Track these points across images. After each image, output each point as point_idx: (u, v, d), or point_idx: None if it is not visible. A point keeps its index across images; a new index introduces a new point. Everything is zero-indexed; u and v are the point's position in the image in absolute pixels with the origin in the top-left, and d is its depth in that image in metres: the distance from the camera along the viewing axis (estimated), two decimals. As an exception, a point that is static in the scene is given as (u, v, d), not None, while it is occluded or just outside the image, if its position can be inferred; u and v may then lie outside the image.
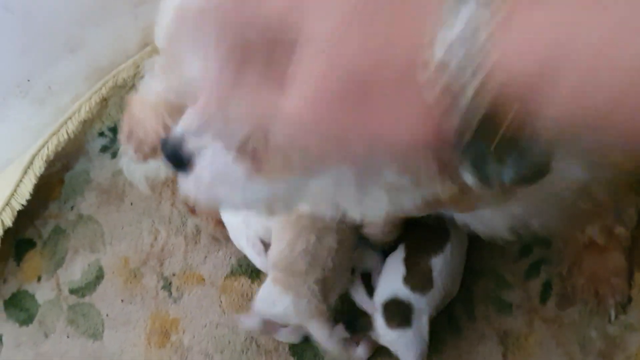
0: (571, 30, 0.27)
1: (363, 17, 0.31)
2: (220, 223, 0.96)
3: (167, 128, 0.79)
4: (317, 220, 0.79)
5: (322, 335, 0.76)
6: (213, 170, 0.45)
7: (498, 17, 0.28)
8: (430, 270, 0.77)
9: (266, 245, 0.89)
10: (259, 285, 0.90)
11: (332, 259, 0.78)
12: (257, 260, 0.87)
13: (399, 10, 0.31)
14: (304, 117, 0.32)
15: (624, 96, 0.26)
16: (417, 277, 0.77)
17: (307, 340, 0.85)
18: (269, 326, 0.82)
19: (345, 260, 0.80)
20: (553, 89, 0.28)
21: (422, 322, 0.74)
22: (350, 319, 0.81)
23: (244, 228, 0.88)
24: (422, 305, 0.75)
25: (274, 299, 0.79)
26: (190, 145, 0.45)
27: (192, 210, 0.96)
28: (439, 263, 0.77)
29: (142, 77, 1.01)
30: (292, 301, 0.78)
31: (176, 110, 0.80)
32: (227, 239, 0.94)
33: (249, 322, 0.82)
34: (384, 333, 0.76)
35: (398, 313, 0.76)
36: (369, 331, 0.79)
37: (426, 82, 0.30)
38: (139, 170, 0.98)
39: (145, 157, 0.81)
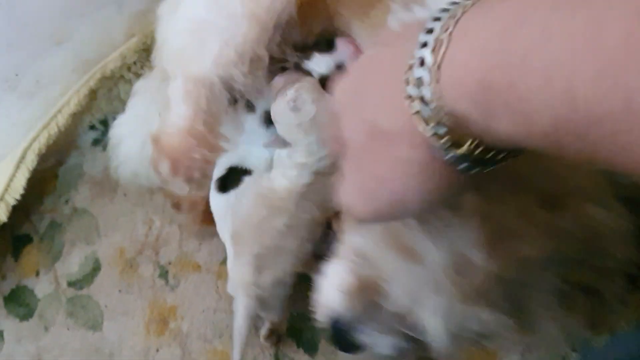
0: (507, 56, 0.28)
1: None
2: (204, 221, 0.96)
3: (213, 147, 0.78)
4: (279, 199, 0.79)
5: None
6: None
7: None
8: None
9: None
10: None
11: (272, 238, 0.77)
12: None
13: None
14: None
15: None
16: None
17: (306, 317, 0.84)
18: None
19: (289, 246, 0.79)
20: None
21: None
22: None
23: (229, 226, 0.88)
24: None
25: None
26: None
27: (177, 206, 0.96)
28: None
29: (129, 68, 1.01)
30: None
31: (213, 126, 0.79)
32: (213, 235, 0.94)
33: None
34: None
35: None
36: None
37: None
38: (129, 173, 0.98)
39: (199, 186, 0.80)
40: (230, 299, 0.87)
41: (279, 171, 0.77)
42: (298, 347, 0.85)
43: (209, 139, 0.74)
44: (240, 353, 0.77)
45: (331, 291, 0.52)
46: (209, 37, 0.74)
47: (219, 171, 0.89)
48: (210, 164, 0.76)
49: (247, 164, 0.89)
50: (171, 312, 0.91)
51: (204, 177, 0.77)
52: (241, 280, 0.77)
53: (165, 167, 0.75)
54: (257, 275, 0.77)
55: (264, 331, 0.82)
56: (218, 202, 0.90)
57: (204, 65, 0.74)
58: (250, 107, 0.90)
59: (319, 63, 0.84)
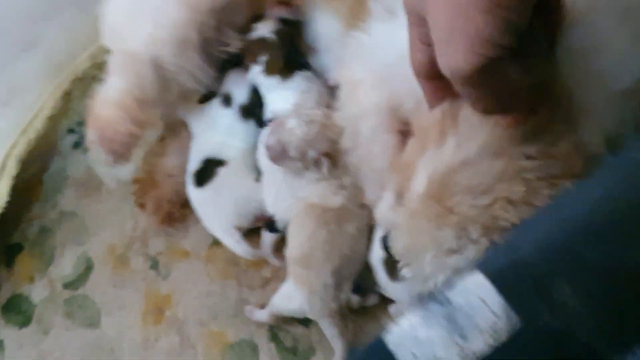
0: None
1: None
2: (165, 221, 0.99)
3: (139, 123, 0.79)
4: (338, 208, 0.81)
5: (330, 333, 0.80)
6: None
7: None
8: None
9: (242, 231, 0.90)
10: (251, 242, 0.93)
11: (350, 246, 0.80)
12: (238, 248, 0.90)
13: None
14: None
15: None
16: None
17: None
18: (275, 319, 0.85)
19: (361, 246, 0.82)
20: None
21: None
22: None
23: (216, 219, 0.90)
24: None
25: (290, 296, 0.81)
26: None
27: (142, 206, 0.98)
28: None
29: (100, 67, 1.03)
30: (306, 298, 0.80)
31: (144, 103, 0.81)
32: (179, 229, 0.99)
33: (259, 315, 0.86)
34: (388, 286, 0.78)
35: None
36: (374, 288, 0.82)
37: None
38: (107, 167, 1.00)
39: (121, 158, 0.81)
40: (220, 281, 0.89)
41: (325, 190, 0.80)
42: (292, 318, 0.86)
43: (137, 114, 0.76)
44: None
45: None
46: (142, 17, 0.76)
47: (193, 164, 0.90)
48: (135, 139, 0.78)
49: (222, 155, 0.91)
50: (166, 300, 0.92)
51: (127, 151, 0.79)
52: (324, 310, 0.80)
53: (91, 136, 0.76)
54: (340, 291, 0.79)
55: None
56: (197, 196, 0.92)
57: (137, 43, 0.77)
58: (227, 101, 0.91)
59: (262, 28, 0.85)
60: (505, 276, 0.34)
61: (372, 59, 0.68)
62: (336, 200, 0.77)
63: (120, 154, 0.81)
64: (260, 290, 0.89)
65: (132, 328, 0.93)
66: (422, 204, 0.53)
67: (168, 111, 0.92)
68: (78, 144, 1.09)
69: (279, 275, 0.89)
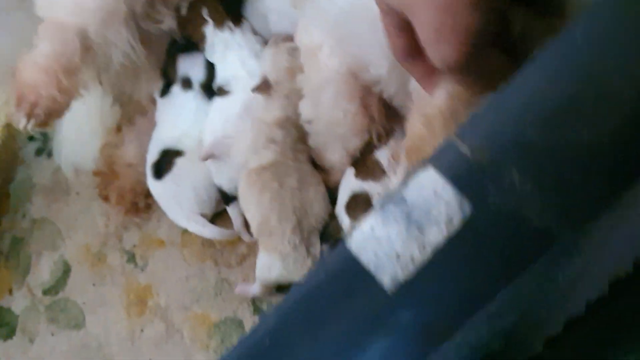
0: None
1: None
2: (130, 212, 1.00)
3: (63, 90, 0.80)
4: (273, 165, 0.82)
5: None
6: None
7: None
8: (378, 162, 0.80)
9: (206, 216, 0.91)
10: (223, 222, 0.94)
11: (299, 199, 0.81)
12: (206, 232, 0.91)
13: None
14: None
15: None
16: (366, 169, 0.80)
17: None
18: (268, 289, 0.85)
19: (312, 196, 0.83)
20: None
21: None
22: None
23: (178, 209, 0.91)
24: (379, 191, 0.77)
25: (268, 265, 0.82)
26: None
27: (106, 198, 1.00)
28: (384, 153, 0.80)
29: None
30: (281, 263, 0.80)
31: (69, 71, 0.81)
32: (145, 219, 1.00)
33: (249, 289, 0.86)
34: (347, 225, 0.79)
35: (359, 206, 0.79)
36: (340, 235, 0.81)
37: None
38: (66, 156, 1.00)
39: (41, 124, 0.81)
40: (198, 264, 0.91)
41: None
42: (273, 290, 0.87)
43: (62, 80, 0.76)
44: None
45: None
46: None
47: (152, 155, 0.92)
48: (58, 105, 0.78)
49: (180, 145, 0.92)
50: (147, 291, 0.93)
51: (48, 117, 0.80)
52: (301, 268, 0.80)
53: (13, 96, 0.79)
54: (310, 245, 0.81)
55: None
56: (157, 189, 0.93)
57: (64, 12, 0.77)
58: (187, 84, 0.92)
59: None
60: (456, 167, 0.36)
61: (330, 22, 0.69)
62: (267, 155, 0.78)
63: (41, 120, 0.80)
64: (239, 268, 0.91)
65: (117, 323, 0.94)
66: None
67: (115, 88, 0.93)
68: (41, 151, 1.09)
69: (254, 250, 0.90)
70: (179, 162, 0.92)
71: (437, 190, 0.35)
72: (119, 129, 1.03)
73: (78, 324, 0.97)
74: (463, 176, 0.35)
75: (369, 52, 0.69)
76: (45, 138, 1.10)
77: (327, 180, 0.85)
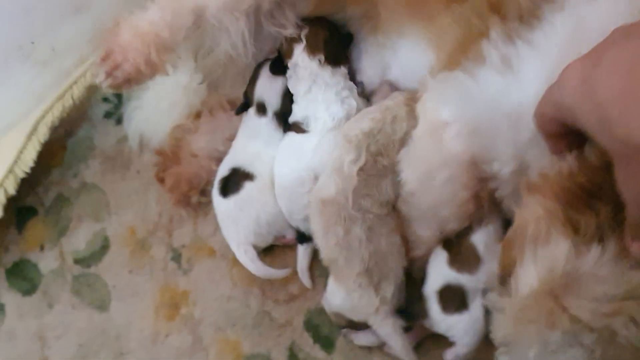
0: None
1: None
2: (180, 202, 0.97)
3: (150, 62, 0.76)
4: (340, 210, 0.79)
5: (383, 332, 0.78)
6: None
7: None
8: (473, 247, 0.75)
9: (258, 249, 0.89)
10: (271, 258, 0.92)
11: (366, 248, 0.78)
12: (251, 266, 0.88)
13: None
14: None
15: None
16: (461, 258, 0.76)
17: (323, 313, 0.84)
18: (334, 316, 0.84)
19: (384, 247, 0.79)
20: None
21: (477, 302, 0.73)
22: (404, 307, 0.79)
23: (234, 232, 0.88)
24: (475, 285, 0.73)
25: (333, 292, 0.80)
26: None
27: (161, 180, 0.96)
28: (481, 238, 0.75)
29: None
30: (345, 295, 0.79)
31: (164, 47, 0.77)
32: (208, 225, 0.97)
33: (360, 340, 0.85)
34: (441, 319, 0.76)
35: (453, 298, 0.75)
36: (423, 319, 0.79)
37: None
38: (137, 124, 0.95)
39: (116, 86, 0.78)
40: (244, 288, 0.87)
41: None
42: (314, 342, 0.84)
43: (152, 52, 0.73)
44: None
45: None
46: None
47: (223, 170, 0.89)
48: (139, 75, 0.75)
49: (252, 167, 0.89)
50: (183, 297, 0.90)
51: (124, 83, 0.78)
52: (366, 307, 0.78)
53: (102, 49, 0.78)
54: (378, 290, 0.78)
55: None
56: (220, 205, 0.90)
57: None
58: (261, 110, 0.89)
59: None
60: None
61: (469, 106, 0.64)
62: (329, 189, 0.77)
63: (117, 83, 0.79)
64: (285, 306, 0.88)
65: (143, 319, 0.92)
66: (534, 300, 0.51)
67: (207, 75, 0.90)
68: (110, 114, 1.05)
69: (305, 294, 0.86)
70: (248, 186, 0.88)
71: None
72: (197, 115, 0.99)
73: (102, 306, 0.95)
74: None
75: (500, 148, 0.66)
76: (119, 103, 1.05)
77: (406, 251, 0.81)
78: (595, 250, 0.50)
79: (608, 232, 0.51)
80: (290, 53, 0.89)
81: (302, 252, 0.87)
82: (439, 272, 0.77)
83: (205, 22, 0.81)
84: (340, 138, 0.80)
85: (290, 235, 0.89)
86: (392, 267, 0.79)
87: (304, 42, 0.87)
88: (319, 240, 0.81)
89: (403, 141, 0.79)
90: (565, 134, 0.52)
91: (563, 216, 0.52)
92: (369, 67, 0.88)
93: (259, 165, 0.88)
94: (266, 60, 0.93)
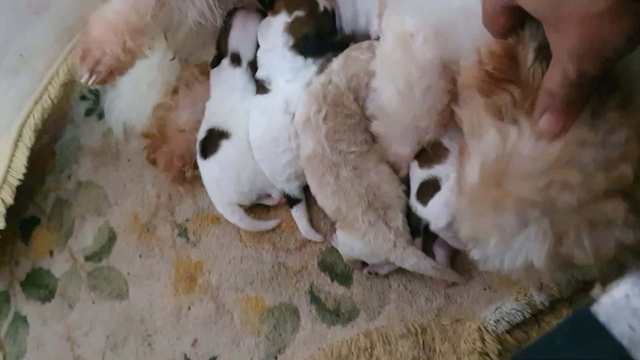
0: None
1: None
2: (177, 180, 0.98)
3: (127, 50, 0.77)
4: (323, 159, 0.82)
5: (409, 264, 0.79)
6: None
7: None
8: (439, 143, 0.79)
9: (245, 207, 0.91)
10: (275, 210, 0.93)
11: (360, 185, 0.81)
12: (241, 224, 0.89)
13: None
14: None
15: None
16: (429, 157, 0.78)
17: (335, 251, 0.85)
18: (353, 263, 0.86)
19: (375, 178, 0.82)
20: None
21: (447, 183, 0.75)
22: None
23: (218, 193, 0.90)
24: (447, 172, 0.75)
25: (349, 245, 0.82)
26: None
27: (153, 162, 0.98)
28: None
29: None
30: (360, 242, 0.80)
31: (137, 32, 0.79)
32: (189, 192, 0.99)
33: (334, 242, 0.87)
34: (425, 213, 0.79)
35: (428, 189, 0.78)
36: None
37: None
38: (118, 114, 0.97)
39: (101, 81, 0.79)
40: (255, 245, 0.89)
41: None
42: (332, 280, 0.86)
43: (127, 39, 0.75)
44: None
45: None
46: None
47: (201, 133, 0.91)
48: (121, 64, 0.77)
49: (227, 125, 0.90)
50: (197, 267, 0.91)
51: (109, 75, 0.79)
52: (385, 245, 0.79)
53: (79, 50, 0.78)
54: (390, 222, 0.81)
55: None
56: (203, 168, 0.91)
57: None
58: (235, 60, 0.89)
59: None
60: None
61: (426, 11, 0.66)
62: (307, 144, 0.81)
63: (102, 77, 0.80)
64: (297, 254, 0.90)
65: (163, 297, 0.93)
66: (480, 191, 0.53)
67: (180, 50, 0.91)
68: (91, 111, 1.07)
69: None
70: (225, 145, 0.89)
71: None
72: (174, 91, 1.00)
73: (121, 295, 0.96)
74: None
75: (462, 44, 0.68)
76: (97, 98, 1.06)
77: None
78: (514, 132, 0.53)
79: (522, 112, 0.54)
80: (275, 13, 0.89)
81: (297, 215, 0.89)
82: (415, 177, 0.79)
83: None
84: (304, 94, 0.82)
85: (276, 195, 0.90)
86: (391, 194, 0.81)
87: (290, 20, 0.88)
88: (319, 198, 0.83)
89: (356, 90, 0.81)
90: (505, 14, 0.54)
91: (485, 103, 0.55)
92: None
93: (233, 122, 0.90)
94: (236, 9, 0.93)
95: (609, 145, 0.51)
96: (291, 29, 0.86)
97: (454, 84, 0.71)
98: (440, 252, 0.80)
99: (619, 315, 0.31)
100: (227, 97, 0.91)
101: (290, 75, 0.86)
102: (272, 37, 0.87)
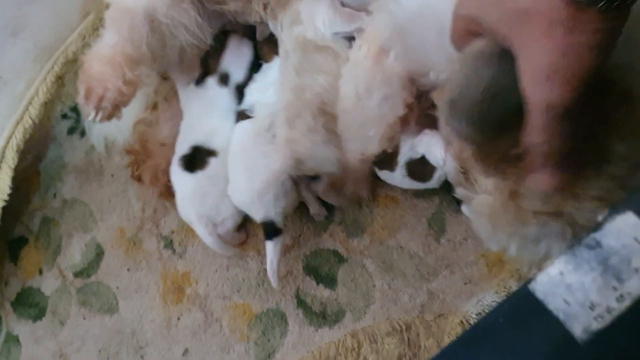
0: None
1: None
2: (163, 195, 1.00)
3: (128, 82, 0.80)
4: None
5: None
6: None
7: None
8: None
9: (215, 226, 0.91)
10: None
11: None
12: (209, 240, 0.88)
13: None
14: None
15: None
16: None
17: (318, 255, 0.88)
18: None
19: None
20: None
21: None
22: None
23: (190, 207, 0.91)
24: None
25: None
26: None
27: (138, 178, 1.00)
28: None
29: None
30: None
31: (134, 62, 0.81)
32: (173, 204, 0.98)
33: None
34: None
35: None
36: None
37: None
38: (99, 129, 1.00)
39: (108, 116, 0.82)
40: (240, 253, 0.91)
41: None
42: (317, 283, 0.88)
43: (126, 71, 0.77)
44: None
45: None
46: None
47: (182, 148, 0.93)
48: (124, 97, 0.79)
49: (212, 144, 0.92)
50: (184, 278, 0.94)
51: (114, 110, 0.82)
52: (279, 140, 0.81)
53: (80, 92, 0.81)
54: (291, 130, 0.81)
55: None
56: (184, 180, 0.93)
57: None
58: (224, 80, 0.92)
59: None
60: None
61: (397, 27, 0.69)
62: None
63: (108, 112, 0.83)
64: (282, 259, 0.92)
65: (153, 309, 0.96)
66: (500, 205, 0.56)
67: (164, 70, 0.94)
68: (73, 129, 1.09)
69: (298, 242, 0.91)
70: (214, 163, 0.92)
71: (638, 238, 0.34)
72: (154, 106, 1.02)
73: (111, 309, 0.98)
74: None
75: (434, 57, 0.70)
76: (78, 116, 1.09)
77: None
78: None
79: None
80: (268, 59, 0.94)
81: (273, 249, 0.85)
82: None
83: (159, 25, 0.85)
84: None
85: (229, 225, 0.91)
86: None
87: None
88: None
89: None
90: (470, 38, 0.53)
91: None
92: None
93: (217, 140, 0.93)
94: (229, 32, 0.96)
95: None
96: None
97: (416, 98, 0.73)
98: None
99: (555, 292, 0.34)
100: (208, 115, 0.94)
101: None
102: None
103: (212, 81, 0.95)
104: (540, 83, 0.41)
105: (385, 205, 0.89)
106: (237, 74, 0.94)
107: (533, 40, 0.41)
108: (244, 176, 0.86)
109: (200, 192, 0.91)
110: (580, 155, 0.45)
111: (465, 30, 0.52)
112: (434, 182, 0.81)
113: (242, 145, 0.88)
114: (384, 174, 0.85)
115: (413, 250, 0.86)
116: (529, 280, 0.35)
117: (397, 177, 0.84)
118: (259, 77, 0.91)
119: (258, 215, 0.86)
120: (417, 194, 0.88)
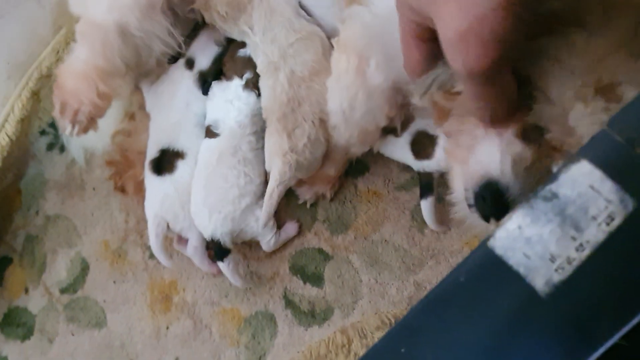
0: None
1: None
2: None
3: (102, 94, 0.82)
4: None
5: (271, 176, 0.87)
6: None
7: None
8: None
9: (170, 231, 0.93)
10: None
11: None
12: (152, 241, 0.89)
13: None
14: None
15: None
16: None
17: (304, 254, 0.89)
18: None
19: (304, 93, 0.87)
20: None
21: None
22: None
23: (155, 206, 0.93)
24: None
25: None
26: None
27: (122, 189, 1.03)
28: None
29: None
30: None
31: (108, 75, 0.83)
32: None
33: None
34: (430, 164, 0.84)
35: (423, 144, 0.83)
36: None
37: None
38: (79, 144, 1.01)
39: (84, 129, 0.84)
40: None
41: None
42: (304, 283, 0.89)
43: (99, 84, 0.79)
44: (267, 218, 0.85)
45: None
46: None
47: (151, 152, 0.96)
48: (99, 110, 0.81)
49: (178, 143, 0.94)
50: (172, 287, 0.95)
51: (90, 122, 0.86)
52: (277, 150, 0.84)
53: (55, 106, 0.84)
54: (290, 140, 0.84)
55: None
56: (153, 183, 0.95)
57: (101, 10, 0.79)
58: (189, 64, 0.97)
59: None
60: (613, 160, 0.35)
61: (375, 37, 0.71)
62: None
63: (83, 125, 0.86)
64: (268, 260, 0.94)
65: (141, 320, 0.97)
66: None
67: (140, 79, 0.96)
68: (52, 145, 1.11)
69: (284, 245, 0.91)
70: (181, 167, 0.94)
71: (593, 185, 0.34)
72: (131, 116, 1.04)
73: (99, 323, 0.99)
74: (622, 169, 0.34)
75: None
76: (56, 132, 1.10)
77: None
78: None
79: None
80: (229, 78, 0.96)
81: (227, 269, 0.89)
82: (398, 143, 0.86)
83: (132, 37, 0.87)
84: None
85: (193, 240, 0.92)
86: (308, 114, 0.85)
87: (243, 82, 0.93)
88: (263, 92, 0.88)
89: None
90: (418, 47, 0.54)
91: None
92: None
93: (184, 140, 0.94)
94: (206, 25, 0.98)
95: None
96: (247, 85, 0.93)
97: (401, 108, 0.75)
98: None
99: (514, 246, 0.34)
100: (171, 105, 0.96)
101: (240, 114, 0.91)
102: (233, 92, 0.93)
103: (181, 62, 0.98)
104: (455, 48, 0.42)
105: (368, 200, 0.90)
106: (202, 61, 0.97)
107: (445, 8, 0.42)
108: (202, 191, 0.89)
109: (163, 194, 0.92)
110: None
111: (411, 39, 0.53)
112: (432, 164, 0.83)
113: (205, 163, 0.91)
114: (384, 143, 0.87)
115: (397, 243, 0.87)
116: (488, 238, 0.36)
117: (398, 144, 0.86)
118: (217, 94, 0.93)
119: (206, 233, 0.89)
120: (399, 186, 0.89)
